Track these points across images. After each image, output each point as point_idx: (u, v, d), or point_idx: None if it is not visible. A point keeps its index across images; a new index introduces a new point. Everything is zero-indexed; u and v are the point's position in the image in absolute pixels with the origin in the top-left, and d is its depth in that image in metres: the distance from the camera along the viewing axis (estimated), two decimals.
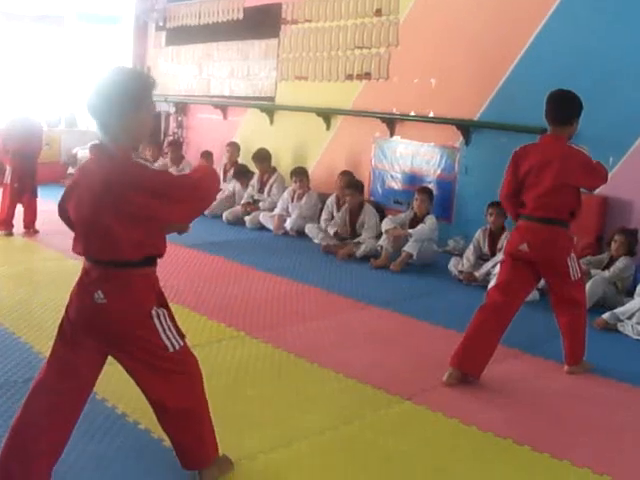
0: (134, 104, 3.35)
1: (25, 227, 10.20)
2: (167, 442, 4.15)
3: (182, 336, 3.67)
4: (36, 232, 10.16)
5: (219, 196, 12.09)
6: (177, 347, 3.58)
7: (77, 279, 3.51)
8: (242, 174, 12.04)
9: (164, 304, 3.68)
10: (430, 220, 8.97)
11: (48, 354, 3.61)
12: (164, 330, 3.53)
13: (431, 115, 10.11)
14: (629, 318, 6.87)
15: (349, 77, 11.31)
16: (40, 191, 10.37)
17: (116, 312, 3.42)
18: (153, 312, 3.51)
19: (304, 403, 4.96)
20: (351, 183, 9.82)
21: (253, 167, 11.99)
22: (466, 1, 9.67)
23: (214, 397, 4.69)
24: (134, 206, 3.25)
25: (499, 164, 8.72)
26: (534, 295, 7.58)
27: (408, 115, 10.40)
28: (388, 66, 10.72)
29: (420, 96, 10.18)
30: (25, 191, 10.10)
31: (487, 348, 5.44)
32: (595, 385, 5.57)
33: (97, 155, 3.42)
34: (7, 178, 10.09)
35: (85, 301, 3.44)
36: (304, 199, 10.75)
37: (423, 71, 10.16)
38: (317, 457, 4.25)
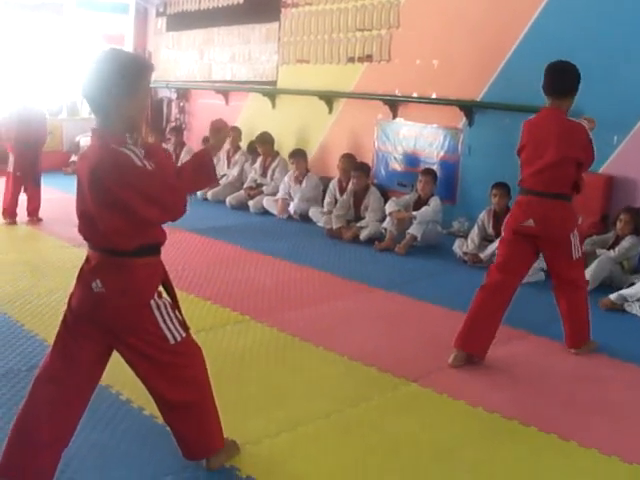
0: (129, 87, 3.27)
1: (28, 215, 10.19)
2: None
3: (185, 328, 3.63)
4: (39, 220, 10.15)
5: (222, 181, 12.11)
6: (178, 339, 3.53)
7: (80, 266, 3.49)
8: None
9: (170, 294, 3.64)
10: (434, 202, 8.94)
11: (52, 342, 3.58)
12: (164, 321, 3.47)
13: (434, 96, 10.06)
14: (639, 300, 6.85)
15: (351, 60, 11.25)
16: (43, 179, 10.34)
17: (113, 301, 3.37)
18: (152, 302, 3.46)
19: (309, 386, 4.96)
20: (358, 165, 9.79)
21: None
22: None
23: (219, 381, 4.68)
24: (118, 200, 3.19)
25: (502, 145, 8.76)
26: (540, 276, 7.57)
27: (410, 97, 10.35)
28: (390, 48, 10.65)
29: (422, 77, 10.13)
30: (28, 180, 10.09)
31: (490, 328, 5.42)
32: (602, 366, 5.55)
33: (92, 141, 3.38)
34: (10, 167, 10.07)
35: (85, 290, 3.41)
36: (304, 182, 10.72)
37: (425, 52, 10.10)
38: (323, 440, 4.24)
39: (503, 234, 5.73)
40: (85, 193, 3.28)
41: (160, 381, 3.61)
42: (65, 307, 3.55)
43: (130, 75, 3.27)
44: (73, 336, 3.49)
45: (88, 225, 3.36)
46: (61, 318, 3.56)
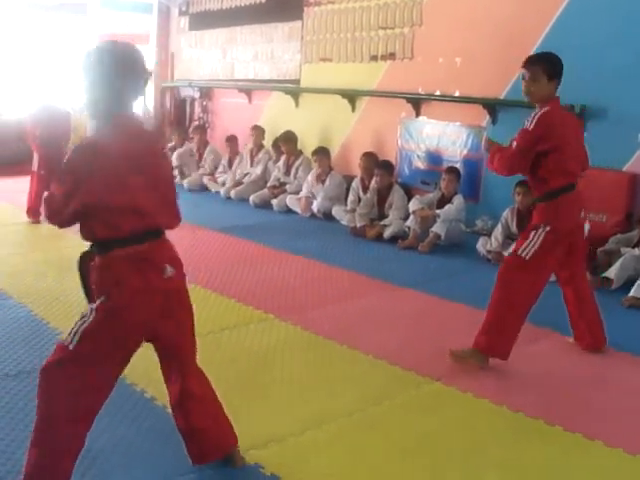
0: (109, 74, 3.38)
1: None
2: None
3: None
4: None
5: (246, 180, 12.14)
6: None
7: None
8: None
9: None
10: (458, 200, 8.93)
11: None
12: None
13: (457, 94, 10.04)
14: None
15: (373, 58, 11.24)
16: None
17: (183, 284, 3.63)
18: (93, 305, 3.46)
19: (334, 385, 4.97)
20: (381, 163, 9.79)
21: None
22: None
23: (243, 380, 4.72)
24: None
25: None
26: None
27: (433, 95, 10.34)
28: (412, 46, 10.63)
29: (445, 75, 10.11)
30: (52, 178, 10.11)
31: (514, 328, 5.37)
32: (626, 365, 5.53)
33: (129, 124, 3.44)
34: (34, 165, 10.12)
35: (155, 277, 3.49)
36: (328, 180, 10.74)
37: (448, 50, 10.08)
38: (347, 438, 4.24)
39: (551, 236, 5.33)
40: (157, 176, 3.41)
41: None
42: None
43: (112, 63, 3.43)
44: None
45: (159, 207, 3.45)
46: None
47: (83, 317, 3.39)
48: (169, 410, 4.41)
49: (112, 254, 3.40)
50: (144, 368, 4.97)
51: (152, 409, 4.54)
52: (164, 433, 4.21)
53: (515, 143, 5.25)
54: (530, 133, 5.20)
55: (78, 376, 3.36)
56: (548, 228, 5.23)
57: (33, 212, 10.07)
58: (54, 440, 3.39)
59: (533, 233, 5.28)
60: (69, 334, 3.37)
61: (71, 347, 3.33)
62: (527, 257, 5.22)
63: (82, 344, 3.34)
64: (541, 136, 5.17)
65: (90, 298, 3.49)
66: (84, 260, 3.50)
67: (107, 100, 3.41)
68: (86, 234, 3.44)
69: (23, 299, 6.59)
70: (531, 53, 8.89)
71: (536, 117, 5.21)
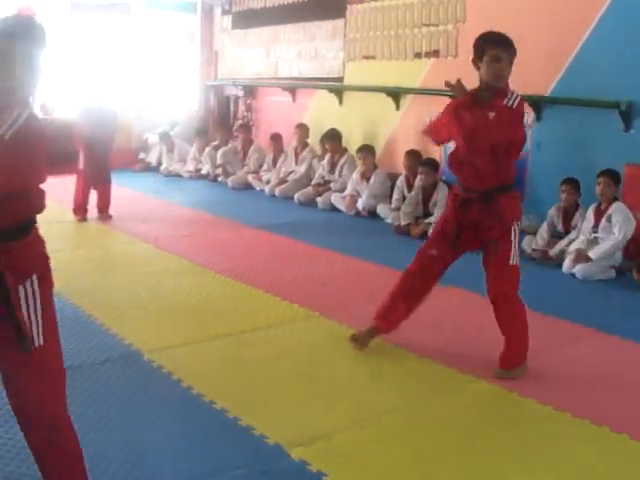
0: None
1: (99, 212, 10.32)
2: (242, 421, 4.30)
3: None
4: (109, 217, 10.28)
5: (290, 177, 12.19)
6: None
7: None
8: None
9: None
10: None
11: None
12: None
13: None
14: None
15: (417, 55, 11.23)
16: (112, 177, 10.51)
17: None
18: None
19: (378, 383, 4.99)
20: (426, 161, 9.79)
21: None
22: None
23: (289, 376, 4.77)
24: None
25: (572, 140, 8.69)
26: (610, 273, 7.51)
27: None
28: (456, 43, 10.60)
29: None
30: (98, 177, 10.23)
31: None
32: None
33: None
34: (80, 164, 10.23)
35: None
36: (372, 178, 10.76)
37: None
38: (393, 436, 4.26)
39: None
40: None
41: None
42: None
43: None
44: None
45: None
46: None
47: None
48: (216, 406, 4.49)
49: None
50: (191, 365, 5.07)
51: (199, 406, 4.58)
52: (211, 429, 4.27)
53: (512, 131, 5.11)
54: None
55: None
56: (519, 223, 5.26)
57: (80, 210, 10.18)
58: None
59: (512, 235, 5.15)
60: None
61: None
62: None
63: None
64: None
65: None
66: None
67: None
68: None
69: (70, 296, 6.67)
70: (579, 47, 8.95)
71: (518, 98, 5.10)
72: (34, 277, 2.99)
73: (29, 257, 3.03)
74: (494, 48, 4.95)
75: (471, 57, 5.07)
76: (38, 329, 2.99)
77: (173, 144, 15.04)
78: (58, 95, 14.82)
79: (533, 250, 8.31)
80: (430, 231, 8.87)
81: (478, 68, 5.01)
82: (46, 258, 3.13)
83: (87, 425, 4.20)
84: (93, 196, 10.30)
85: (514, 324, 5.17)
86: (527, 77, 9.49)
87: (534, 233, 8.62)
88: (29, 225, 3.08)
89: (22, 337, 2.93)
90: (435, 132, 5.43)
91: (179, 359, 5.29)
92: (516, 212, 5.20)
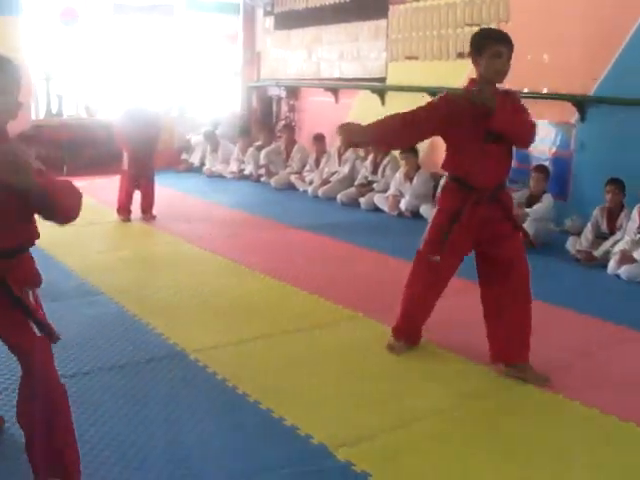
0: None
1: (142, 213, 10.40)
2: (287, 421, 4.34)
3: None
4: (153, 217, 10.35)
5: (334, 178, 12.21)
6: None
7: None
8: None
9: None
10: (547, 199, 8.86)
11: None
12: None
13: (545, 91, 9.95)
14: None
15: (460, 55, 11.19)
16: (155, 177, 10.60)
17: None
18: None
19: (424, 383, 4.99)
20: None
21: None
22: None
23: (333, 376, 4.77)
24: None
25: (617, 140, 8.63)
26: None
27: (521, 92, 10.23)
28: None
29: (533, 72, 10.00)
30: (142, 177, 10.30)
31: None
32: None
33: None
34: (124, 165, 10.31)
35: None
36: (415, 179, 10.77)
37: (535, 46, 9.98)
38: (438, 437, 4.27)
39: None
40: None
41: None
42: None
43: None
44: None
45: None
46: None
47: None
48: (261, 406, 4.52)
49: None
50: (236, 365, 5.11)
51: (244, 405, 4.61)
52: (256, 429, 4.31)
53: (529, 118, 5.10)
54: None
55: None
56: None
57: (124, 210, 10.27)
58: None
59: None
60: None
61: None
62: None
63: None
64: None
65: None
66: None
67: None
68: None
69: (114, 295, 6.76)
70: (624, 45, 8.88)
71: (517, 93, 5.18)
72: (30, 287, 3.49)
73: (27, 271, 3.49)
74: (495, 44, 4.92)
75: (467, 53, 5.05)
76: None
77: (218, 144, 15.13)
78: (101, 96, 15.00)
79: (577, 251, 8.27)
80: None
81: (477, 65, 4.98)
82: (38, 273, 3.56)
83: (133, 423, 4.30)
84: (137, 196, 10.39)
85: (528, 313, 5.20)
86: (571, 77, 9.49)
87: (578, 234, 8.58)
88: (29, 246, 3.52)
89: (40, 324, 3.41)
90: (414, 128, 5.25)
91: (224, 359, 5.33)
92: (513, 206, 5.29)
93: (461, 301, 6.50)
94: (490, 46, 4.90)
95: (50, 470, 3.44)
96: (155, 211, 10.40)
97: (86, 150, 13.83)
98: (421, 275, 5.47)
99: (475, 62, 4.99)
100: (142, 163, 10.23)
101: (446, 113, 5.06)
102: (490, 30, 5.05)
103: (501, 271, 5.14)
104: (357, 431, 4.24)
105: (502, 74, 4.95)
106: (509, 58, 4.94)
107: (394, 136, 5.33)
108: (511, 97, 5.07)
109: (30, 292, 3.46)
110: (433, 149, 11.54)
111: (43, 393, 3.40)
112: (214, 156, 15.00)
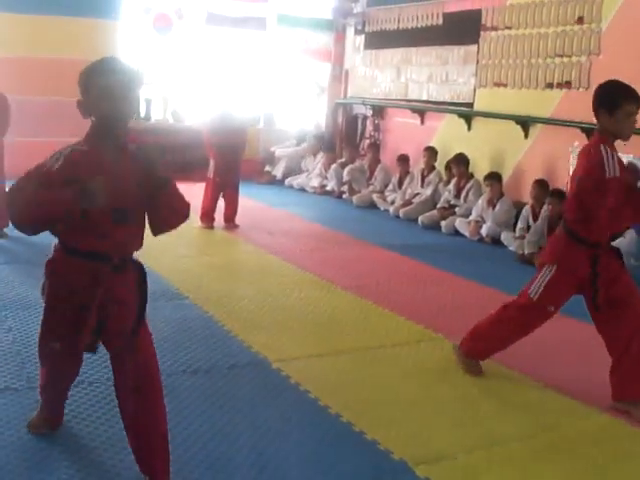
0: (82, 88, 3.48)
1: (225, 221, 10.57)
2: (368, 435, 4.43)
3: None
4: (236, 226, 10.52)
5: (416, 200, 12.28)
6: None
7: None
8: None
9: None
10: (630, 234, 8.84)
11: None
12: None
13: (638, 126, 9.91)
14: None
15: (549, 85, 11.22)
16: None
17: None
18: None
19: (503, 408, 5.05)
20: (555, 192, 9.77)
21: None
22: None
23: (414, 395, 4.87)
24: None
25: None
26: None
27: None
28: (589, 75, 10.57)
29: None
30: (227, 185, 10.46)
31: None
32: None
33: None
34: (210, 172, 10.48)
35: None
36: (498, 205, 10.79)
37: (626, 79, 9.79)
38: (517, 463, 4.32)
39: None
40: None
41: None
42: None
43: (82, 76, 3.49)
44: None
45: None
46: None
47: None
48: (342, 419, 4.62)
49: None
50: (318, 378, 5.21)
51: (326, 417, 4.71)
52: (337, 441, 4.40)
53: None
54: None
55: None
56: None
57: (207, 218, 10.43)
58: None
59: None
60: None
61: None
62: None
63: None
64: None
65: None
66: None
67: None
68: None
69: (198, 301, 6.92)
70: None
71: None
72: None
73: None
74: (632, 104, 4.89)
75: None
76: None
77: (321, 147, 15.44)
78: (190, 103, 15.23)
79: None
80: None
81: (604, 120, 4.94)
82: None
83: (215, 428, 4.42)
84: (220, 205, 10.59)
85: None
86: None
87: None
88: None
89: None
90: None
91: (306, 370, 5.43)
92: None
93: (538, 330, 6.57)
94: (628, 105, 4.88)
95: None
96: (237, 220, 10.56)
97: (173, 155, 14.02)
98: (526, 320, 5.49)
99: (602, 117, 4.94)
100: (229, 171, 10.40)
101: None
102: (628, 87, 4.94)
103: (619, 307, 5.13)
104: (437, 450, 4.32)
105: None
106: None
107: None
108: None
109: None
110: (517, 178, 11.58)
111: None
112: (309, 160, 15.40)
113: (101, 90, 3.37)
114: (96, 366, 4.96)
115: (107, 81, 3.37)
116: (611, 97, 4.94)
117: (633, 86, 9.40)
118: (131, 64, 3.59)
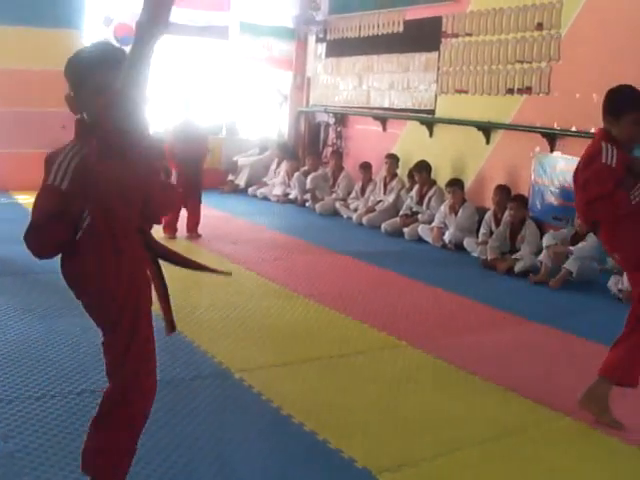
0: (75, 81, 3.20)
1: (188, 231, 10.52)
2: (331, 444, 4.40)
3: None
4: (199, 236, 10.48)
5: (378, 207, 12.30)
6: None
7: None
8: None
9: None
10: (592, 238, 8.87)
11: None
12: None
13: (592, 131, 9.98)
14: None
15: (509, 91, 11.29)
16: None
17: None
18: None
19: (466, 413, 5.04)
20: (516, 197, 9.86)
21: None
22: (636, 16, 9.51)
23: (376, 403, 4.84)
24: None
25: None
26: None
27: (569, 130, 10.31)
28: (549, 80, 10.65)
29: (582, 111, 10.04)
30: (190, 196, 10.42)
31: None
32: None
33: None
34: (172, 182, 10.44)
35: None
36: (460, 212, 10.83)
37: (585, 86, 10.02)
38: (480, 467, 4.32)
39: None
40: None
41: None
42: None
43: (75, 69, 3.22)
44: None
45: None
46: None
47: None
48: (306, 428, 4.60)
49: None
50: (281, 387, 5.19)
51: (288, 427, 4.68)
52: (301, 450, 4.37)
53: None
54: None
55: None
56: None
57: (170, 228, 10.36)
58: None
59: None
60: None
61: None
62: None
63: None
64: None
65: None
66: None
67: None
68: None
69: (158, 311, 6.81)
70: None
71: None
72: None
73: None
74: (636, 110, 4.87)
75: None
76: None
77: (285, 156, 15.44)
78: (152, 112, 15.12)
79: (619, 290, 8.30)
80: (517, 267, 8.82)
81: (611, 125, 4.93)
82: None
83: (177, 439, 4.35)
84: (183, 215, 10.52)
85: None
86: None
87: (620, 273, 8.60)
88: None
89: None
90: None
91: (269, 380, 5.41)
92: None
93: (502, 335, 6.62)
94: (630, 112, 4.85)
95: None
96: (200, 230, 10.53)
97: None
98: None
99: (609, 122, 4.94)
100: (190, 181, 10.36)
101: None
102: (630, 93, 4.90)
103: None
104: (400, 457, 4.30)
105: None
106: None
107: None
108: None
109: None
110: (479, 183, 11.63)
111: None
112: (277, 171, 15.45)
113: (99, 86, 3.09)
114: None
115: (106, 77, 3.10)
116: (617, 102, 4.96)
117: (590, 90, 9.57)
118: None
